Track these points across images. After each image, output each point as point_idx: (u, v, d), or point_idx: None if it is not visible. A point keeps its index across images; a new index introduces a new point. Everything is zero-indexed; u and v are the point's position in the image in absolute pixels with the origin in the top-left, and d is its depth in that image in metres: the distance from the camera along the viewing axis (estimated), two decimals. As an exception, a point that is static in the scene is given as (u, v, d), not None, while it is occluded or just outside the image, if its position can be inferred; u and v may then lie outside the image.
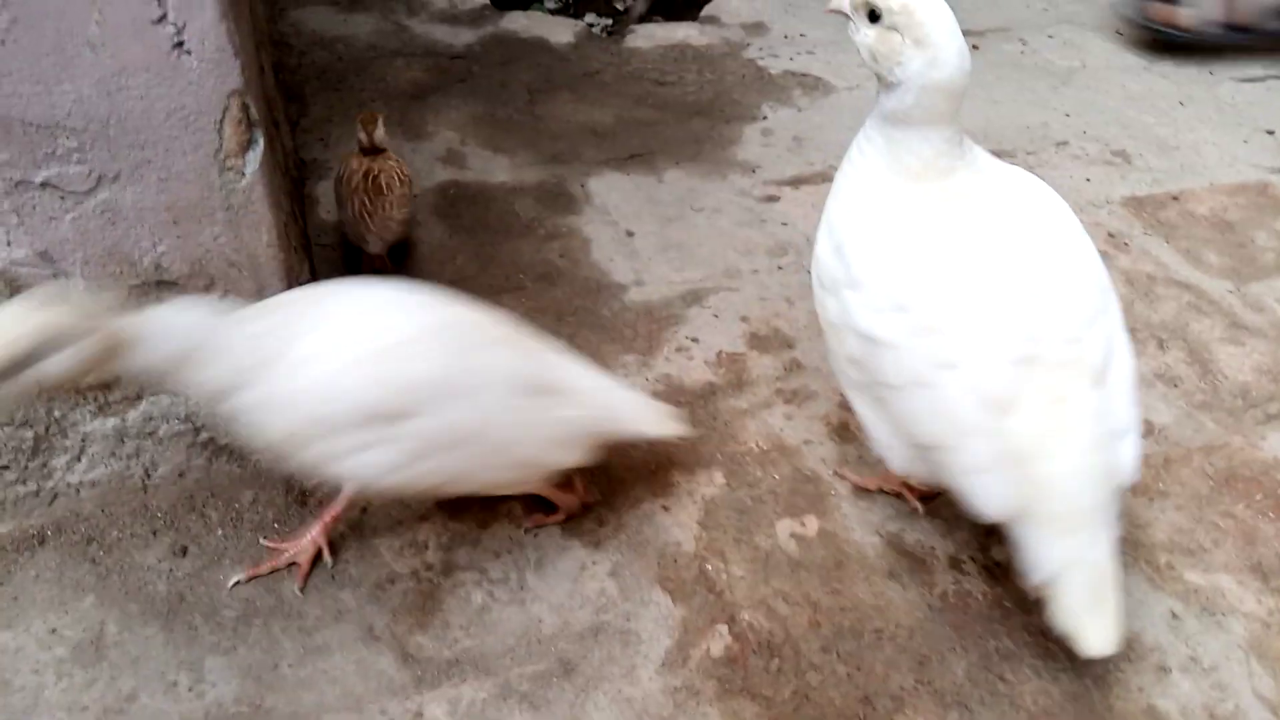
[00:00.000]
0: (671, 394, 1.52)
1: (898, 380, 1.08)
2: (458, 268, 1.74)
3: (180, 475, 1.27)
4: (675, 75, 2.30)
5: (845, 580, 1.27)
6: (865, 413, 1.18)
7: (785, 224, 1.88)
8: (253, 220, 1.09)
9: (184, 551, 1.26)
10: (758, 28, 2.49)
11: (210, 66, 0.98)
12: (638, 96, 2.23)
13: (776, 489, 1.38)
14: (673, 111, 2.18)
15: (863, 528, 1.34)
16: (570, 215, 1.88)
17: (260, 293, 1.15)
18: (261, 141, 1.06)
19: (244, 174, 1.06)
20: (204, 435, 1.24)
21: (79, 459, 1.22)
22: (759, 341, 1.62)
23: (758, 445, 1.44)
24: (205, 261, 1.10)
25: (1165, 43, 2.41)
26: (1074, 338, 1.08)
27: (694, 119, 2.16)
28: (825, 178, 1.99)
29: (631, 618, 1.23)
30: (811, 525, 1.34)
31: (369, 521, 1.31)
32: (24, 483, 1.21)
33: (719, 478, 1.40)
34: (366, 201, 1.60)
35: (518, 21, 2.45)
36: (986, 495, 1.08)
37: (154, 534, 1.27)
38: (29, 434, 1.17)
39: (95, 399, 1.18)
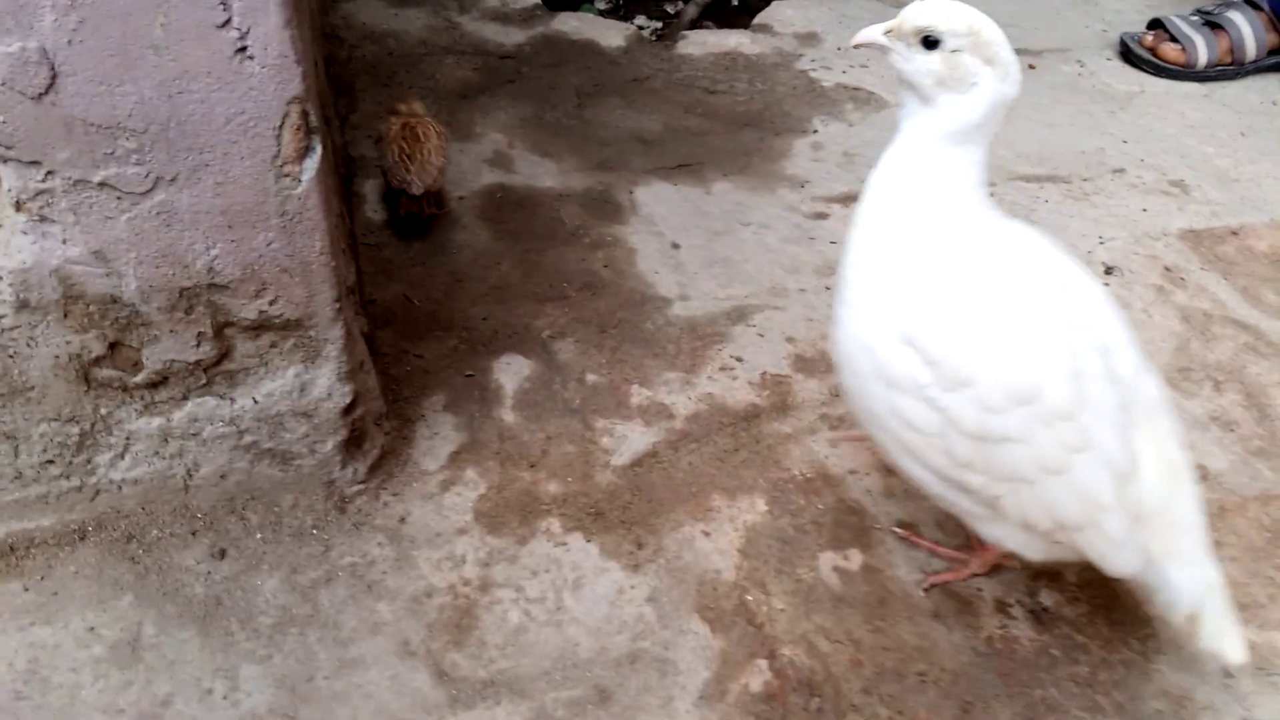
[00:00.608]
0: (714, 415, 1.49)
1: (1028, 474, 1.06)
2: (501, 274, 1.73)
3: (222, 477, 1.26)
4: (725, 84, 2.27)
5: (888, 619, 1.25)
6: (973, 509, 1.14)
7: (834, 242, 1.84)
8: (306, 227, 1.08)
9: (223, 554, 1.25)
10: (811, 38, 2.46)
11: (272, 73, 0.97)
12: (687, 104, 2.20)
13: (820, 519, 1.36)
14: (722, 121, 2.15)
15: (907, 565, 1.31)
16: (616, 224, 1.86)
17: (310, 299, 1.14)
18: (319, 149, 1.04)
19: (300, 181, 1.04)
20: (248, 439, 1.23)
21: (123, 456, 1.21)
22: (804, 364, 1.59)
23: (801, 473, 1.42)
24: (258, 267, 1.08)
25: (1158, 69, 2.44)
26: (1135, 384, 1.11)
27: (743, 130, 2.13)
28: (876, 197, 1.95)
29: (669, 646, 1.21)
30: (855, 559, 1.31)
31: (407, 532, 1.30)
32: (68, 478, 1.20)
33: (761, 504, 1.37)
34: (405, 146, 1.74)
35: (568, 23, 2.43)
36: (1125, 559, 1.10)
37: (193, 534, 1.26)
38: (75, 430, 1.17)
39: (142, 398, 1.17)
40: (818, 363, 1.59)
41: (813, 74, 2.33)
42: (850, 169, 2.03)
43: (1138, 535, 1.09)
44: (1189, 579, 1.11)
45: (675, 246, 1.81)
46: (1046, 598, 1.28)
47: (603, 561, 1.29)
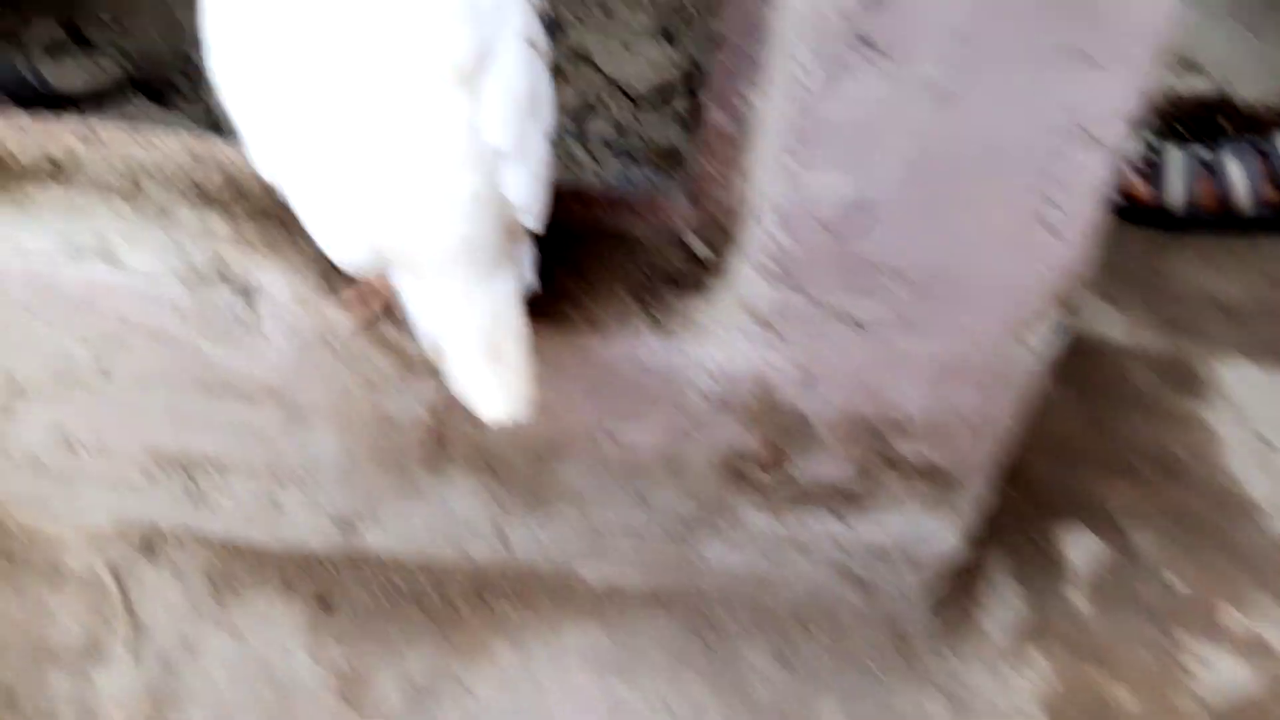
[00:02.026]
0: (1322, 669, 1.29)
1: None
2: (1063, 429, 1.61)
3: (804, 589, 1.26)
4: (1328, 258, 1.99)
5: None
6: None
7: None
8: (1009, 390, 1.04)
9: (787, 663, 1.25)
10: None
11: (1065, 249, 0.93)
12: (1275, 275, 1.96)
13: None
14: (1324, 303, 1.89)
15: None
16: (1193, 399, 1.68)
17: (968, 454, 1.10)
18: (1064, 320, 1.00)
19: (1033, 349, 1.00)
20: (845, 562, 1.22)
21: (724, 542, 1.24)
22: None
23: None
24: (943, 416, 1.06)
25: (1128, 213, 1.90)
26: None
27: (1351, 318, 1.86)
28: None
29: None
30: None
31: (965, 699, 1.23)
32: (671, 545, 1.25)
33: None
34: None
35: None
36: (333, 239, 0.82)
37: (761, 634, 1.28)
38: (698, 509, 1.21)
39: (769, 500, 1.19)
40: None
41: None
42: None
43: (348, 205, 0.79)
44: (432, 297, 0.84)
45: (1269, 445, 1.60)
46: None
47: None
